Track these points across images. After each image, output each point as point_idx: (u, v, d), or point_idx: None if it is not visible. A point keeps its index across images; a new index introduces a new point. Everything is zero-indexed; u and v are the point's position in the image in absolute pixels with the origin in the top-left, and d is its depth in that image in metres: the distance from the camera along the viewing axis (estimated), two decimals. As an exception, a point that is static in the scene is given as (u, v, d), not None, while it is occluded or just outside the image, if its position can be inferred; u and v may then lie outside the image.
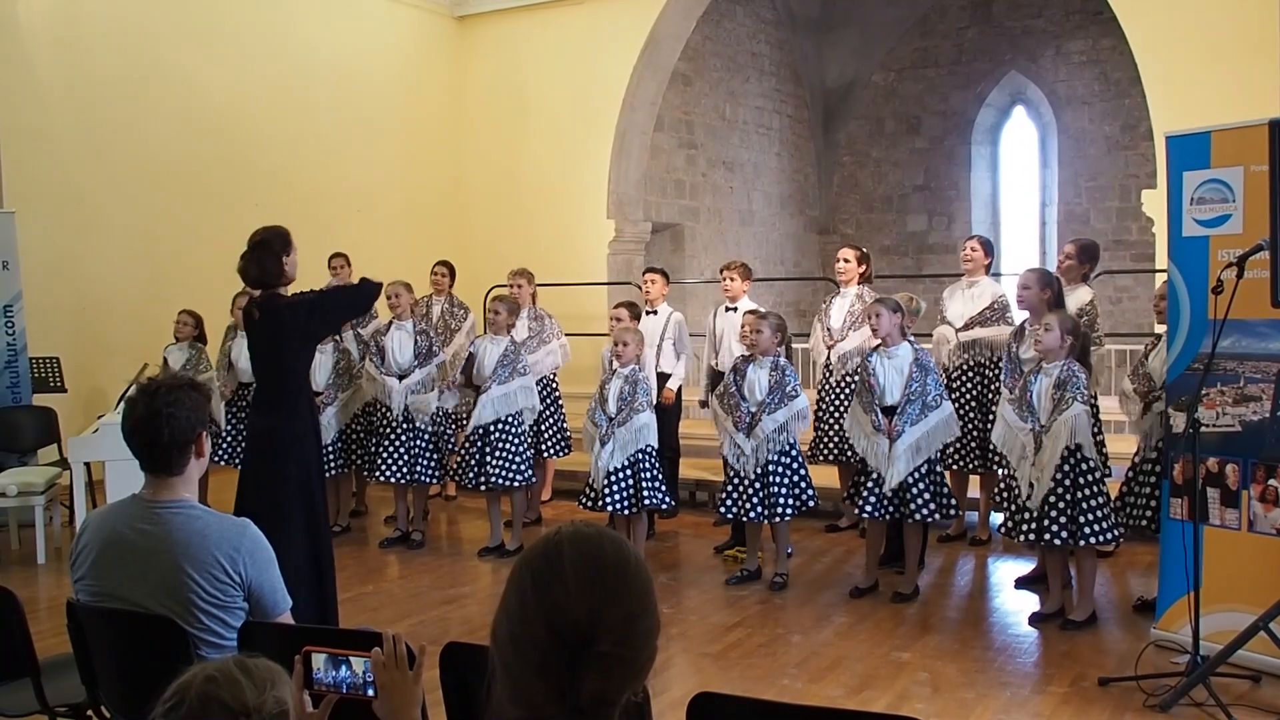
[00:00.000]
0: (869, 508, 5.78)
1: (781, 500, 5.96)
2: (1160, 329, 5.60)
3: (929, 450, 5.69)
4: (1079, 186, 15.07)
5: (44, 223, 8.34)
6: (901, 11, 15.89)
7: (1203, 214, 4.81)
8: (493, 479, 6.74)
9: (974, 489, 7.07)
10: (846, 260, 7.13)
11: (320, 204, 10.31)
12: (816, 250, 16.50)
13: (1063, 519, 5.14)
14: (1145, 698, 4.31)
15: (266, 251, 4.70)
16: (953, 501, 5.84)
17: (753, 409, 5.98)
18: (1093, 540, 5.17)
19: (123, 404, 6.88)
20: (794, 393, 6.00)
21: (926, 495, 5.70)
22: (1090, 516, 5.14)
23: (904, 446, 5.63)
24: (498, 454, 6.76)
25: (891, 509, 5.73)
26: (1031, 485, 5.20)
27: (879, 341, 5.90)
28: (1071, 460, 5.14)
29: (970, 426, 6.64)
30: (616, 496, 6.22)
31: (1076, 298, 6.22)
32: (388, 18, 11.34)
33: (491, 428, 6.78)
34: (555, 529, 1.50)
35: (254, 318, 4.80)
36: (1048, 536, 5.18)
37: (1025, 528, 5.26)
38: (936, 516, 5.76)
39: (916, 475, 5.68)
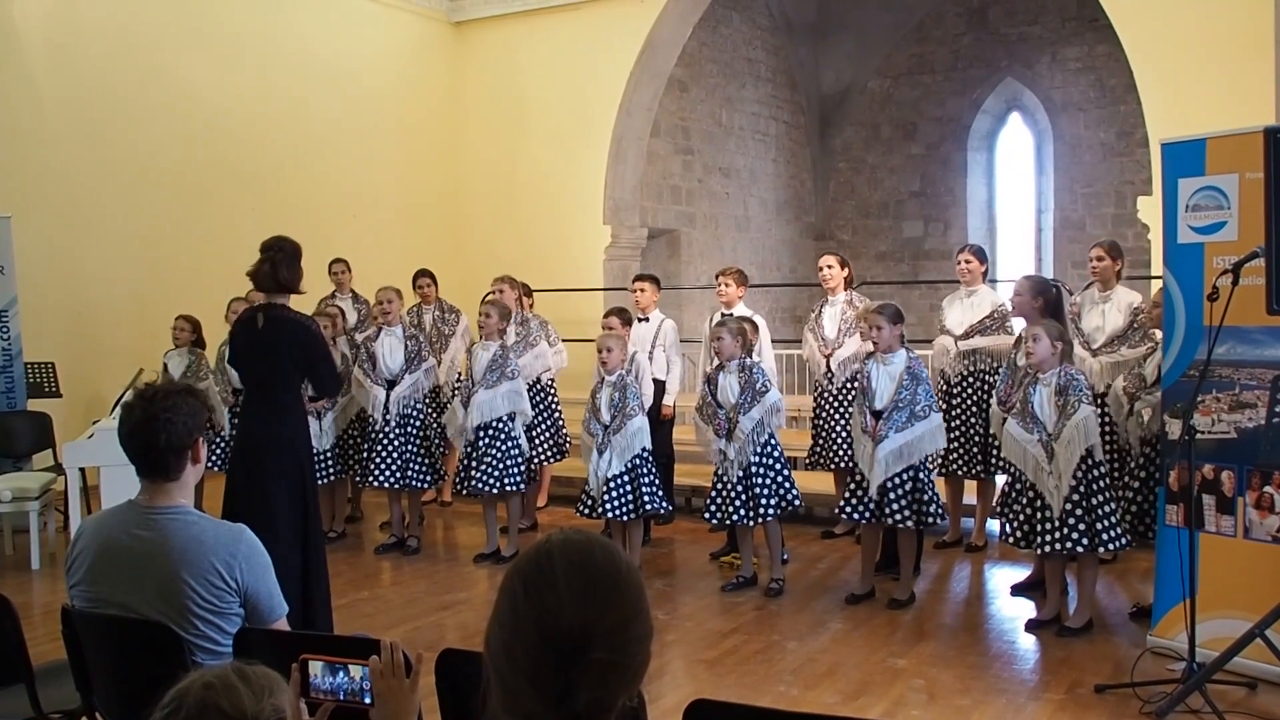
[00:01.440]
0: (849, 509, 5.87)
1: (764, 501, 5.98)
2: (1157, 335, 5.61)
3: (911, 458, 5.70)
4: (1075, 193, 15.09)
5: (40, 227, 8.33)
6: (897, 18, 15.92)
7: (1198, 221, 4.83)
8: (476, 483, 6.75)
9: (970, 495, 7.07)
10: (830, 267, 7.15)
11: (318, 209, 10.31)
12: (812, 256, 16.45)
13: (1082, 526, 5.12)
14: (1141, 705, 4.31)
15: (287, 256, 4.74)
16: (936, 510, 5.76)
17: (729, 414, 6.03)
18: (1110, 546, 5.17)
19: (119, 409, 6.88)
20: (764, 388, 6.05)
21: (904, 502, 5.71)
22: (1106, 523, 5.14)
23: (885, 451, 5.67)
24: (485, 459, 6.77)
25: (870, 512, 5.79)
26: (1053, 494, 5.19)
27: (879, 351, 5.92)
28: (1083, 465, 5.14)
29: (972, 432, 6.65)
30: (616, 503, 6.23)
31: (1124, 299, 6.15)
32: (385, 23, 11.35)
33: (480, 433, 6.79)
34: (545, 537, 1.50)
35: (256, 324, 4.79)
36: (1069, 545, 5.14)
37: (1050, 538, 5.18)
38: (910, 524, 5.75)
39: (896, 481, 5.70)
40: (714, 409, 6.11)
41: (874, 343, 5.95)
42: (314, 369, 4.86)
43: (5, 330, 7.68)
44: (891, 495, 5.70)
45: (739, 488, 6.01)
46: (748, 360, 6.15)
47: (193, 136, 9.46)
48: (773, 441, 6.08)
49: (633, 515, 6.32)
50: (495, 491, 6.82)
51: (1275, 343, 4.56)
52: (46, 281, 8.35)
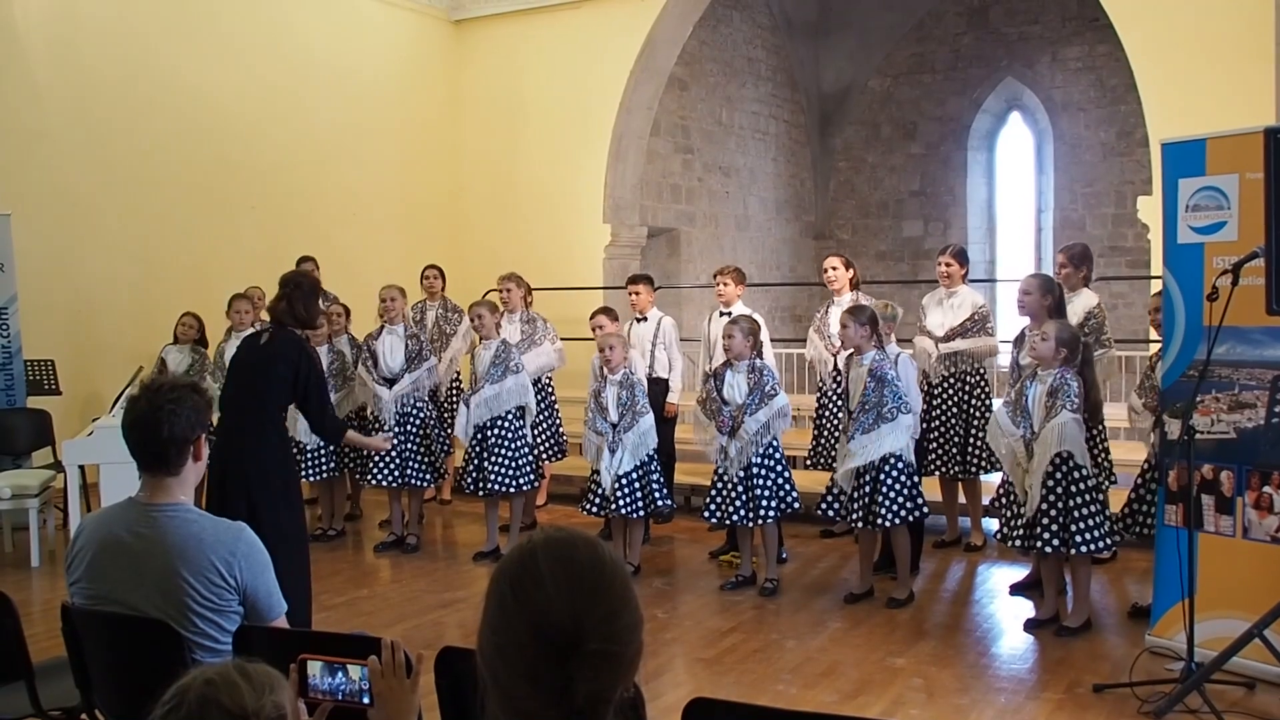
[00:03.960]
0: (825, 506, 6.01)
1: (764, 503, 5.99)
2: (1156, 337, 5.61)
3: (868, 458, 5.72)
4: (1075, 193, 15.08)
5: (39, 224, 8.32)
6: (898, 17, 15.91)
7: (1198, 221, 4.83)
8: (491, 484, 6.74)
9: (962, 496, 7.08)
10: (835, 268, 7.17)
11: (316, 207, 10.31)
12: (812, 255, 16.50)
13: (1054, 526, 5.15)
14: (1140, 704, 4.31)
15: (303, 295, 4.88)
16: (897, 512, 5.72)
17: (733, 412, 6.03)
18: (1085, 549, 5.17)
19: (119, 405, 6.88)
20: (773, 392, 6.06)
21: (864, 502, 5.76)
22: (1082, 525, 5.14)
23: (851, 451, 5.77)
24: (495, 457, 6.77)
25: (836, 511, 5.95)
26: (1027, 493, 5.22)
27: (846, 349, 6.04)
28: (1063, 469, 5.15)
29: (952, 434, 6.67)
30: (626, 500, 6.25)
31: (1081, 303, 6.21)
32: (384, 21, 11.33)
33: (488, 431, 6.79)
34: (526, 538, 1.52)
35: (258, 341, 4.86)
36: (1039, 544, 5.19)
37: (1018, 535, 5.28)
38: (861, 524, 5.82)
39: (859, 482, 5.76)
40: (718, 405, 6.11)
41: (842, 340, 6.10)
42: (306, 401, 4.90)
43: (5, 327, 7.67)
44: (855, 495, 5.81)
45: (739, 488, 6.01)
46: (758, 361, 6.15)
47: (192, 134, 9.45)
48: (775, 443, 6.09)
49: (642, 513, 6.36)
50: (511, 490, 6.83)
51: (1275, 343, 4.57)
52: (46, 279, 8.34)
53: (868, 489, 5.77)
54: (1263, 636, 4.24)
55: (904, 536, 5.90)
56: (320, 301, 5.05)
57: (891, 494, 5.73)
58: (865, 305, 6.20)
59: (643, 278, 7.74)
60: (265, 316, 5.18)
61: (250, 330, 5.18)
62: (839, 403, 6.96)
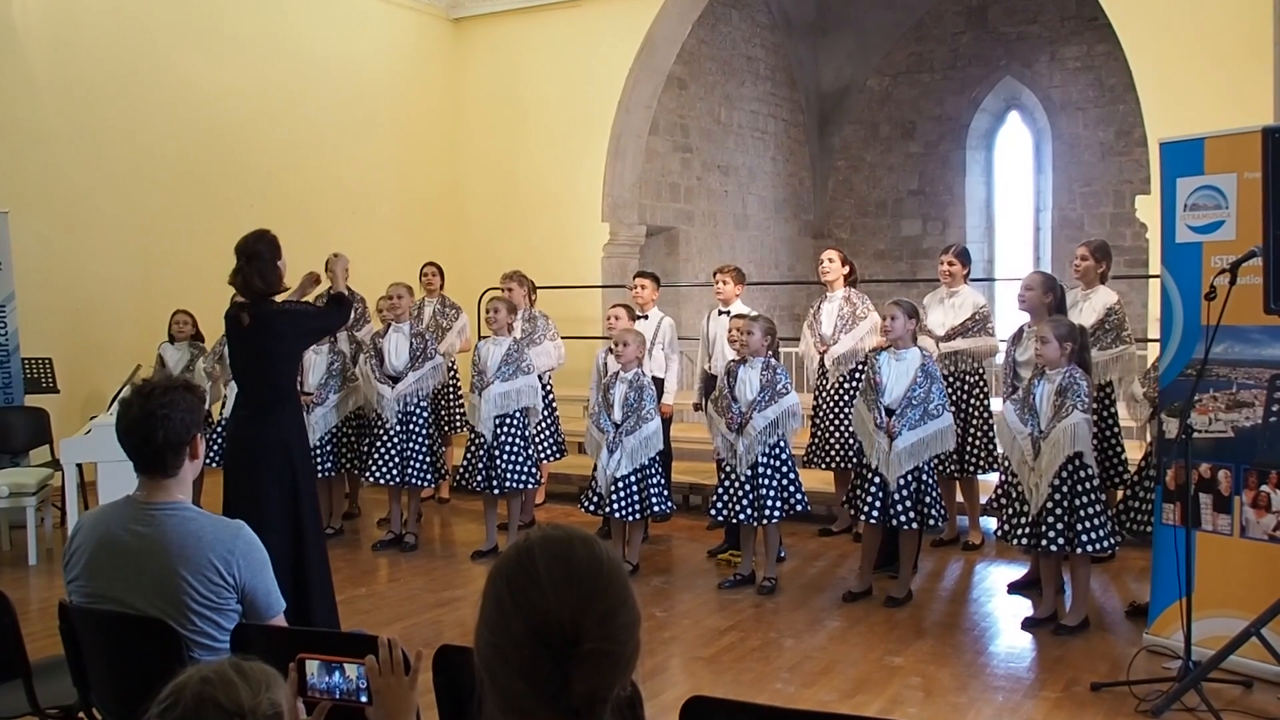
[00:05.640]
0: (861, 509, 5.81)
1: (769, 502, 5.97)
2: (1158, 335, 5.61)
3: (920, 457, 5.71)
4: (1073, 192, 15.09)
5: (38, 223, 8.32)
6: (897, 16, 15.92)
7: (1196, 220, 4.83)
8: (509, 481, 6.74)
9: (959, 495, 7.08)
10: (831, 260, 7.17)
11: (315, 206, 10.31)
12: (811, 254, 16.48)
13: (1060, 525, 5.15)
14: (1137, 703, 4.32)
15: (263, 263, 4.69)
16: (938, 512, 5.79)
17: (744, 409, 6.01)
18: (1090, 549, 5.17)
19: (116, 405, 6.87)
20: (784, 390, 6.04)
21: (909, 503, 5.71)
22: (1087, 525, 5.14)
23: (899, 449, 5.66)
24: (508, 454, 6.76)
25: (880, 512, 5.75)
26: (1033, 491, 5.22)
27: (889, 342, 5.93)
28: (1070, 468, 5.15)
29: None
30: (622, 503, 6.23)
31: (1101, 300, 6.19)
32: (384, 19, 11.34)
33: (499, 429, 6.78)
34: (524, 536, 1.52)
35: (243, 323, 4.77)
36: (1044, 543, 5.19)
37: (1022, 533, 5.28)
38: (914, 525, 5.75)
39: (902, 481, 5.70)
40: (729, 401, 6.09)
41: (885, 333, 5.98)
42: (319, 333, 5.08)
43: (3, 325, 7.67)
44: (896, 496, 5.70)
45: (745, 487, 5.99)
46: (773, 360, 6.14)
47: (191, 132, 9.45)
48: (783, 444, 6.07)
49: (639, 516, 6.33)
50: (523, 488, 6.84)
51: (1272, 342, 4.57)
52: (44, 277, 8.34)
53: (911, 488, 5.72)
54: (1260, 635, 4.25)
55: (912, 536, 5.88)
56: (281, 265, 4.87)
57: (933, 494, 5.76)
58: (905, 299, 6.13)
59: (649, 274, 7.75)
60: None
61: (231, 307, 5.03)
62: (834, 401, 6.98)
